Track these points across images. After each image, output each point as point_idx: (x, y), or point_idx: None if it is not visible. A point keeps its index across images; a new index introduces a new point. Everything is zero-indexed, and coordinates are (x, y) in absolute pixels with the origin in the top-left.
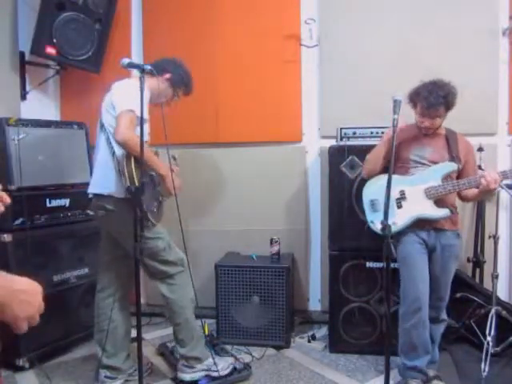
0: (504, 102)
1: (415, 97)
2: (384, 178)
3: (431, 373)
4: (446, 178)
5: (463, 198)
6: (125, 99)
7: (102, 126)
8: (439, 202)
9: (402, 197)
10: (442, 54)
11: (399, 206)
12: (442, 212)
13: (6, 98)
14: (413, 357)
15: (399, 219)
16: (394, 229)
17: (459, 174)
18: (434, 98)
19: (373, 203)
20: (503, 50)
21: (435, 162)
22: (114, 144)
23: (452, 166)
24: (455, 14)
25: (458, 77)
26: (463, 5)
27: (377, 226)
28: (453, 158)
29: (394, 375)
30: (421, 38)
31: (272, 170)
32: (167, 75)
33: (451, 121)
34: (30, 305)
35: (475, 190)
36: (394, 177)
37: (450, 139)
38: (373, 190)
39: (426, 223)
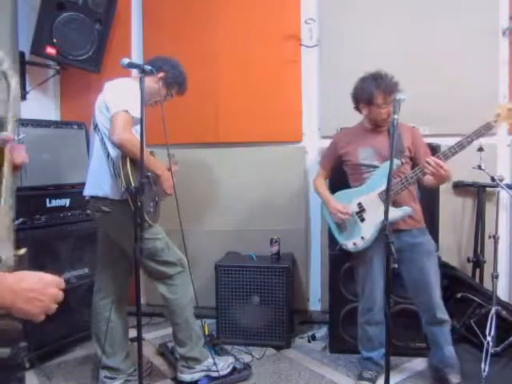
0: (504, 102)
1: (369, 91)
2: (337, 194)
3: (455, 379)
4: (397, 175)
5: (426, 186)
6: (118, 99)
7: (96, 126)
8: (396, 203)
9: (361, 209)
10: (442, 54)
11: (362, 219)
12: (401, 211)
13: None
14: (370, 348)
15: (366, 233)
16: (363, 245)
17: (414, 163)
18: (390, 80)
19: (338, 225)
20: (503, 49)
21: (384, 161)
22: (108, 145)
23: (394, 164)
24: (455, 14)
25: (458, 77)
26: (463, 5)
27: (348, 247)
28: (396, 153)
29: (395, 375)
30: (421, 38)
31: (272, 170)
32: (161, 74)
33: (452, 121)
34: (39, 301)
35: (431, 178)
36: (347, 191)
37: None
38: None
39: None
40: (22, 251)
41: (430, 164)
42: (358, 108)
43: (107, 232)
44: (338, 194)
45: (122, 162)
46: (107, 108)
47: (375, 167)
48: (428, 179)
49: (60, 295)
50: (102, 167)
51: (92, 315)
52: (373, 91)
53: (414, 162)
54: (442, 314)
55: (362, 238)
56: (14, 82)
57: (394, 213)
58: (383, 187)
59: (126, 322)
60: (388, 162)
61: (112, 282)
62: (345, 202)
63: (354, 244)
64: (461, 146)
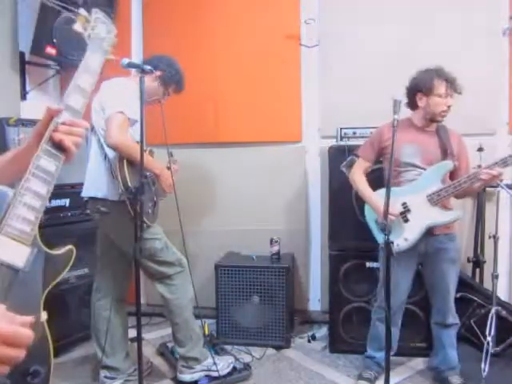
0: (504, 102)
1: (431, 79)
2: (378, 192)
3: (456, 380)
4: (444, 178)
5: (459, 196)
6: (114, 100)
7: (93, 128)
8: (443, 206)
9: (406, 209)
10: (442, 54)
11: (406, 220)
12: (452, 215)
13: (6, 97)
14: (376, 347)
15: (409, 234)
16: (405, 245)
17: (455, 170)
18: (451, 73)
19: (378, 224)
20: (503, 49)
21: (428, 162)
22: (105, 146)
23: (448, 165)
24: (455, 14)
25: (458, 77)
26: (463, 5)
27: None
28: (446, 154)
29: (395, 375)
30: (421, 38)
31: (272, 170)
32: (158, 73)
33: (452, 121)
34: None
35: (476, 185)
36: (392, 189)
37: (442, 134)
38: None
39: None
40: (66, 249)
41: (495, 170)
42: (412, 101)
43: (106, 232)
44: (381, 191)
45: (119, 164)
46: (103, 109)
47: (416, 167)
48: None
49: (8, 354)
50: (99, 168)
51: (91, 315)
52: (434, 79)
53: (454, 171)
54: (453, 318)
55: (406, 239)
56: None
57: (445, 216)
58: (433, 189)
59: (125, 321)
60: (439, 164)
61: (111, 281)
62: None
63: (397, 245)
64: None
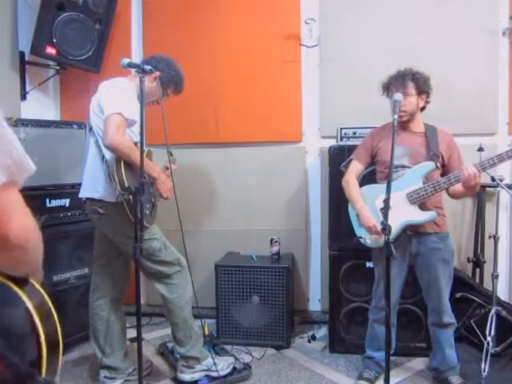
0: (504, 102)
1: (387, 80)
2: (364, 188)
3: (456, 380)
4: (427, 178)
5: (452, 196)
6: (112, 101)
7: (91, 129)
8: (424, 205)
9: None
10: (442, 54)
11: None
12: (428, 215)
13: (6, 97)
14: (375, 348)
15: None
16: (383, 241)
17: (445, 170)
18: (403, 72)
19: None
20: (503, 50)
21: (416, 162)
22: (103, 147)
23: (429, 166)
24: (455, 14)
25: (458, 77)
26: (463, 5)
27: (367, 241)
28: (430, 156)
29: (395, 375)
30: (421, 38)
31: (272, 170)
32: (157, 73)
33: (452, 121)
34: None
35: (459, 188)
36: (375, 186)
37: (430, 136)
38: None
39: (407, 228)
40: None
41: (467, 171)
42: None
43: (105, 233)
44: (366, 188)
45: (116, 165)
46: (101, 110)
47: (404, 167)
48: (454, 188)
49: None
50: (97, 169)
51: (89, 315)
52: (388, 80)
53: (445, 171)
54: (449, 318)
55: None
56: None
57: (420, 215)
58: (414, 187)
59: (123, 320)
60: (421, 164)
61: (108, 282)
62: (371, 196)
63: (375, 240)
64: (500, 159)
